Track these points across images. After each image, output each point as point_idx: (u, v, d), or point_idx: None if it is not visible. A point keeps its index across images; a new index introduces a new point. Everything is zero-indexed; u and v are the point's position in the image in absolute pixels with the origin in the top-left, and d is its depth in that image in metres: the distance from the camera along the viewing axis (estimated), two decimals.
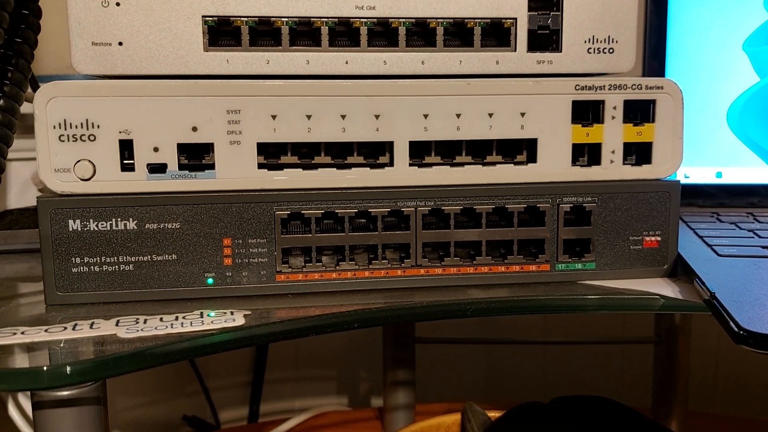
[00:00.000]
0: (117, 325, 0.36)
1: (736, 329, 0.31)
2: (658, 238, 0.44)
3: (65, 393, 0.33)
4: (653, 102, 0.44)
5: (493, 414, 0.60)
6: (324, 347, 0.93)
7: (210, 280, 0.42)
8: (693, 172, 0.60)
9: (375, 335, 0.88)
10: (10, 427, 0.65)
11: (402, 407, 0.78)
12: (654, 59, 0.59)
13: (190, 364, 0.83)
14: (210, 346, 0.34)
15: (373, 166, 0.42)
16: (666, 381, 0.75)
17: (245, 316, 0.37)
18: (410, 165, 0.43)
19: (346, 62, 0.42)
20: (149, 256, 0.41)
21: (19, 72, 0.44)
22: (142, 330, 0.35)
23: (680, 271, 0.44)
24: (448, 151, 0.44)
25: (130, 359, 0.32)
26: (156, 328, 0.35)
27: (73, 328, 0.35)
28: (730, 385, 0.88)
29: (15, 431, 0.65)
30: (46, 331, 0.35)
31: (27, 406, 0.66)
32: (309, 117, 0.41)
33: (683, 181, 0.60)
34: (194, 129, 0.40)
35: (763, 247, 0.45)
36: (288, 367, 0.93)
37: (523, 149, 0.44)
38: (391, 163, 0.42)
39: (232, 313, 0.38)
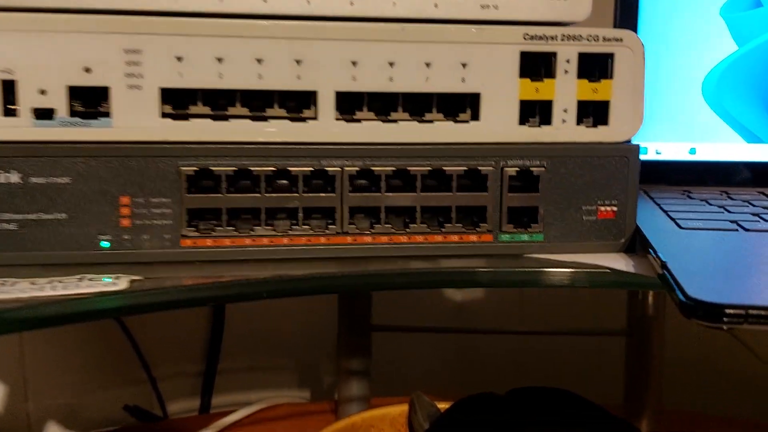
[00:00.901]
0: None
1: (683, 299, 0.26)
2: (615, 209, 0.40)
3: None
4: (611, 56, 0.39)
5: (444, 405, 0.55)
6: (284, 334, 0.88)
7: (105, 243, 0.37)
8: (665, 148, 0.56)
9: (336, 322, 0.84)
10: None
11: (356, 399, 0.73)
12: (624, 25, 0.55)
13: (133, 350, 0.78)
14: (80, 315, 0.30)
15: (294, 120, 0.38)
16: (638, 376, 0.71)
17: (132, 281, 0.33)
18: (337, 119, 0.38)
19: (265, 0, 0.37)
20: (36, 215, 0.36)
21: None
22: (5, 293, 0.30)
23: (639, 246, 0.40)
24: (384, 106, 0.39)
25: None
26: (22, 291, 0.30)
27: None
28: (712, 381, 0.84)
29: None
30: None
31: None
32: (220, 60, 0.36)
33: (655, 157, 0.56)
34: (87, 70, 0.36)
35: (732, 221, 0.40)
36: (245, 356, 0.89)
37: (466, 106, 0.39)
38: (315, 117, 0.38)
39: (117, 278, 0.33)
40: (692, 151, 0.56)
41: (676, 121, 0.56)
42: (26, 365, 0.72)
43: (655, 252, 0.33)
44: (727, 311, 0.25)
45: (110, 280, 0.34)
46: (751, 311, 0.24)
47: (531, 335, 0.82)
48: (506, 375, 0.86)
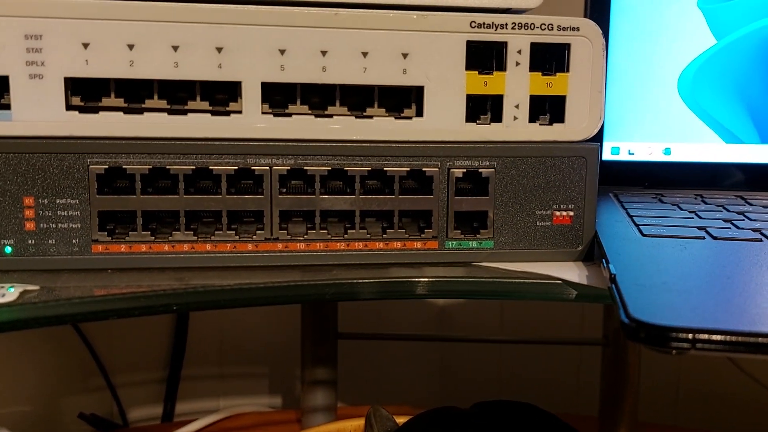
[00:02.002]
0: None
1: (625, 319, 0.23)
2: (571, 213, 0.36)
3: None
4: (567, 47, 0.36)
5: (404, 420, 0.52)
6: (254, 339, 0.85)
7: (8, 249, 0.33)
8: (638, 148, 0.52)
9: None
10: None
11: (321, 409, 0.70)
12: (595, 17, 0.51)
13: (91, 356, 0.75)
14: None
15: (216, 113, 0.34)
16: (614, 387, 0.67)
17: (24, 292, 0.29)
18: (264, 113, 0.35)
19: None
20: None
21: None
22: None
23: (598, 254, 0.36)
24: (322, 101, 0.36)
25: None
26: None
27: None
28: (693, 395, 0.80)
29: None
30: None
31: None
32: (131, 47, 0.33)
33: (627, 158, 0.52)
34: None
35: (700, 228, 0.37)
36: (213, 363, 0.85)
37: (411, 101, 0.36)
38: (240, 110, 0.34)
39: (10, 288, 0.30)
40: (667, 151, 0.52)
41: (650, 119, 0.52)
42: None
43: (606, 262, 0.29)
44: (673, 335, 0.21)
45: (12, 290, 0.31)
46: (699, 336, 0.21)
47: (509, 344, 0.78)
48: (484, 384, 0.83)
